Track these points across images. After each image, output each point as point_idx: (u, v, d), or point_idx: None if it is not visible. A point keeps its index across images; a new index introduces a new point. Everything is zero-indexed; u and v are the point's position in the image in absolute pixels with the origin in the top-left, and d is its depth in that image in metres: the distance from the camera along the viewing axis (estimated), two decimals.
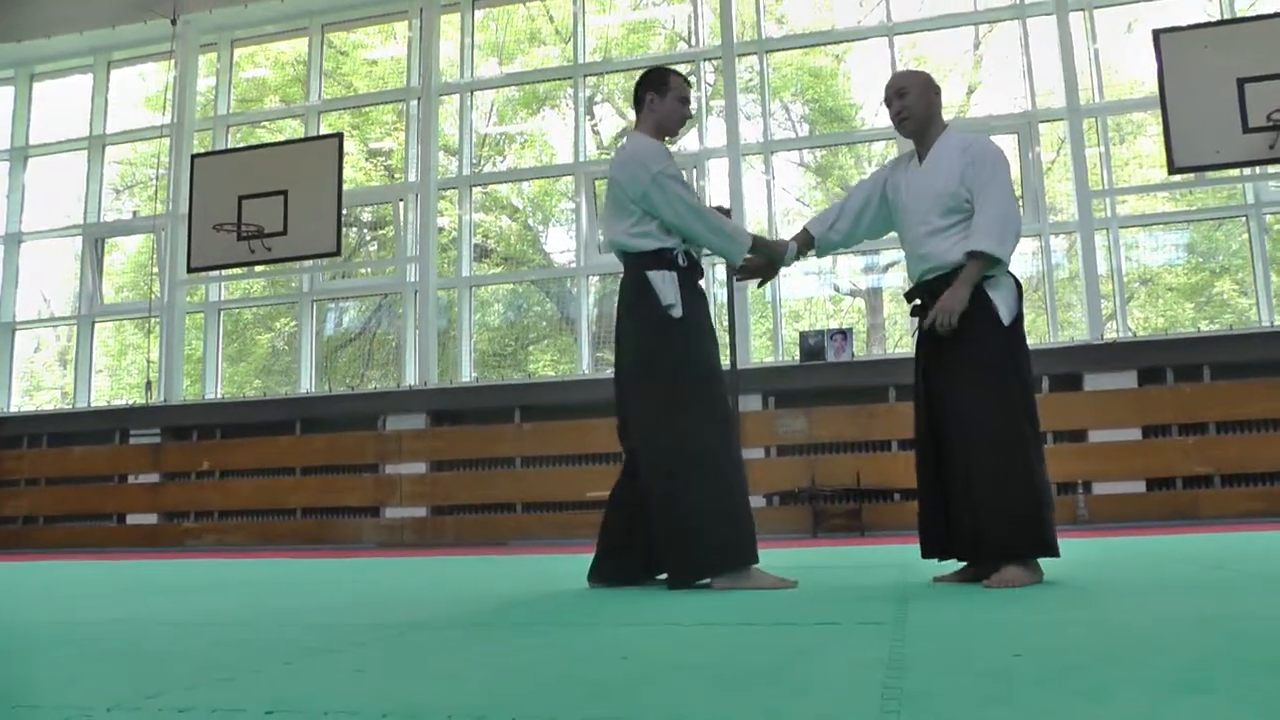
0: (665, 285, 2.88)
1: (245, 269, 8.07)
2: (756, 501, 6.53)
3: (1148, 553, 1.99)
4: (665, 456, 2.82)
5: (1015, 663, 1.42)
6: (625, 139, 3.16)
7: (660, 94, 3.02)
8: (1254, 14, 6.87)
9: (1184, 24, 6.70)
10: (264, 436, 7.62)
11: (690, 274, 2.96)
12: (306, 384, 8.01)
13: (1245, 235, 7.07)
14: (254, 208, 7.55)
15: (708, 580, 2.76)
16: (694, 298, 2.94)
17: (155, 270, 8.44)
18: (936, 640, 1.73)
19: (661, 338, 2.86)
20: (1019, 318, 2.81)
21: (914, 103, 2.87)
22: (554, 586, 3.22)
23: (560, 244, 8.42)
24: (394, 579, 3.89)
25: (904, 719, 1.06)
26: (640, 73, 3.16)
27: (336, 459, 7.46)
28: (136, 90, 9.25)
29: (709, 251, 3.04)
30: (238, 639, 2.04)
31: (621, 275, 3.03)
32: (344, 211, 7.63)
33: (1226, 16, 6.99)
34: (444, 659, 1.71)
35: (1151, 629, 1.80)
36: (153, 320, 8.21)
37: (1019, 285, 2.87)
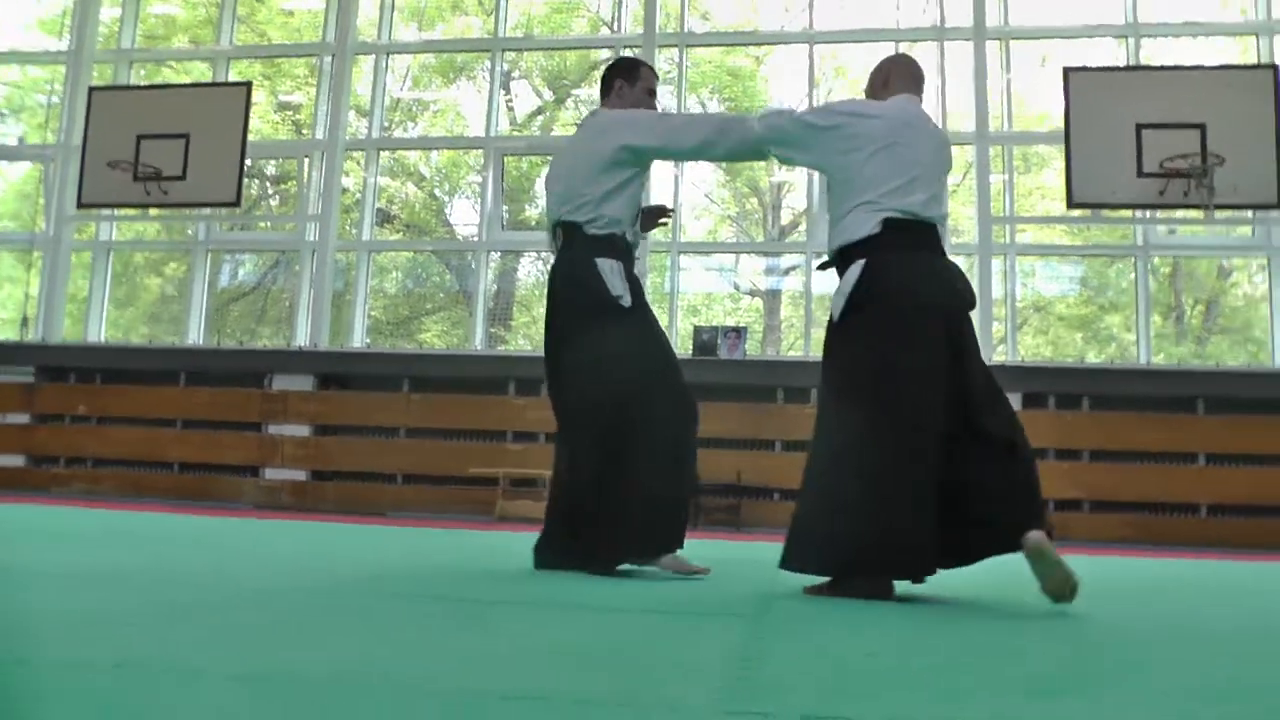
0: (613, 275, 3.16)
1: (139, 211, 8.77)
2: None
3: (1015, 570, 2.56)
4: (608, 439, 3.12)
5: (868, 661, 1.65)
6: (596, 113, 3.45)
7: (630, 82, 3.39)
8: (1157, 64, 8.08)
9: (1094, 65, 7.90)
10: (146, 385, 8.29)
11: (629, 261, 3.28)
12: (195, 335, 8.74)
13: (1133, 275, 8.28)
14: (153, 148, 8.23)
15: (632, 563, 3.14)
16: (635, 285, 3.25)
17: (41, 202, 9.12)
18: (794, 636, 1.97)
19: (612, 326, 3.15)
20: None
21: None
22: (436, 560, 3.59)
23: (464, 216, 9.33)
24: (271, 541, 4.30)
25: (748, 705, 1.21)
26: (613, 62, 3.66)
27: (219, 414, 8.19)
28: (29, 9, 9.87)
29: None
30: (103, 593, 2.19)
31: (557, 255, 3.31)
32: (247, 163, 8.38)
33: (1133, 63, 8.17)
34: (312, 624, 1.88)
35: (1007, 639, 2.06)
36: (35, 254, 8.93)
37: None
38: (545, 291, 3.43)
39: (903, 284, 2.76)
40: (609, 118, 3.35)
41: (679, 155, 3.55)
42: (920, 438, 2.65)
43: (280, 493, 8.00)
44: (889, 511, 2.60)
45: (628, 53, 8.74)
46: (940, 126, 3.07)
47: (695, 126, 3.38)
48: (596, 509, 3.10)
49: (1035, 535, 2.51)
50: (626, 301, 3.16)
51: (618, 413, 3.11)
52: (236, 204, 8.32)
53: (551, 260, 3.45)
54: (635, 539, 3.10)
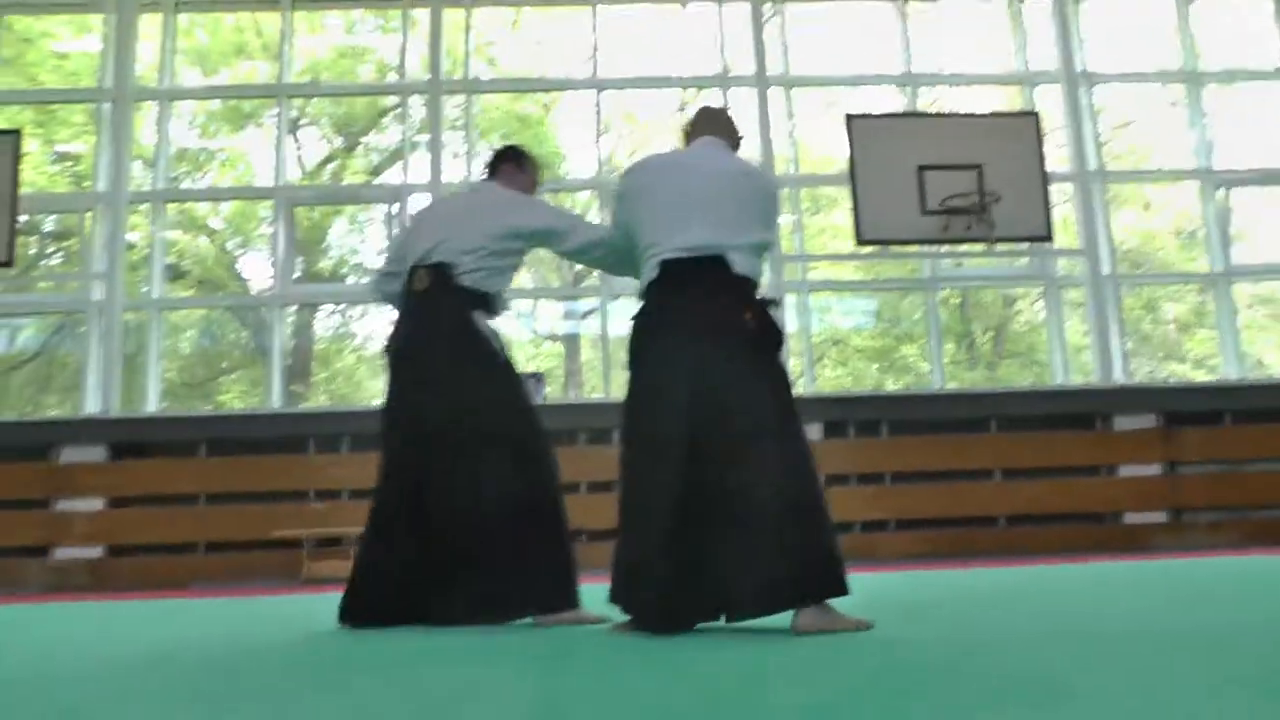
0: (490, 331, 3.37)
1: None
2: None
3: None
4: (505, 505, 3.30)
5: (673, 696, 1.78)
6: (484, 185, 3.75)
7: (520, 168, 3.75)
8: (934, 111, 8.76)
9: (875, 112, 8.50)
10: None
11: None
12: None
13: (925, 307, 8.95)
14: None
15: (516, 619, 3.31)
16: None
17: None
18: (596, 679, 2.09)
19: (498, 384, 3.37)
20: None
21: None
22: (229, 629, 3.65)
23: (258, 270, 9.45)
24: (55, 626, 4.25)
25: None
26: (508, 146, 3.89)
27: (0, 493, 7.99)
28: None
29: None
30: None
31: (418, 300, 3.44)
32: (21, 218, 8.23)
33: (911, 109, 8.82)
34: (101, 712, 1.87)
35: (803, 660, 2.20)
36: None
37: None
38: (393, 337, 3.53)
39: (658, 330, 3.00)
40: (503, 195, 3.61)
41: (561, 249, 3.60)
42: (659, 477, 2.85)
43: (72, 573, 7.91)
44: (628, 547, 2.89)
45: (415, 99, 8.99)
46: (743, 160, 3.25)
47: (584, 229, 3.57)
48: (501, 556, 3.25)
49: (804, 622, 2.69)
50: (502, 358, 3.39)
51: (515, 460, 3.32)
52: (9, 264, 8.10)
53: (387, 307, 3.67)
54: (551, 589, 3.28)
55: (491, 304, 3.46)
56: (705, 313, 2.93)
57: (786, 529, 2.72)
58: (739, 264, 2.97)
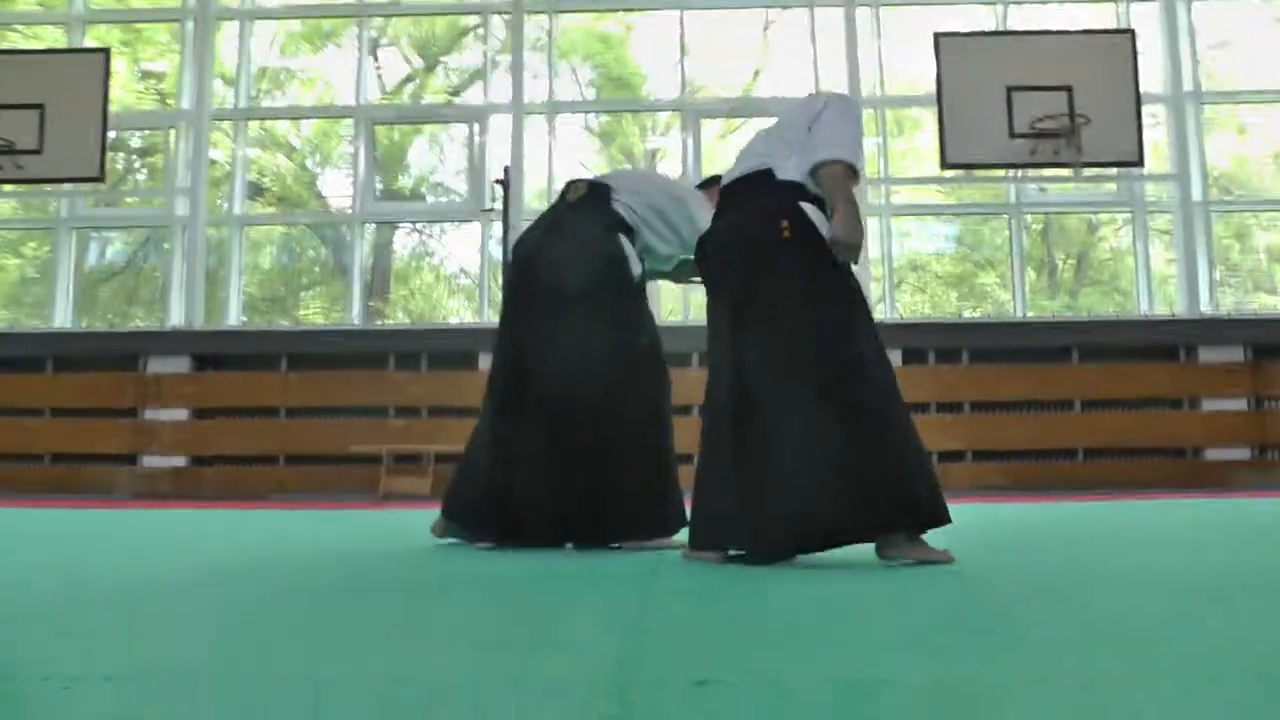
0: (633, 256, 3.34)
1: None
2: None
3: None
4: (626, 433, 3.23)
5: (755, 620, 1.79)
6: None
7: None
8: (1024, 29, 8.49)
9: (963, 30, 8.28)
10: (10, 373, 8.30)
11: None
12: (62, 318, 8.80)
13: (1007, 232, 8.77)
14: (4, 120, 8.04)
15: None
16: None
17: None
18: (682, 603, 2.10)
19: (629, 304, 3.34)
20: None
21: None
22: (317, 544, 3.62)
23: (337, 189, 9.47)
24: (147, 531, 4.32)
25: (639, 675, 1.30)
26: None
27: (91, 401, 8.23)
28: None
29: None
30: None
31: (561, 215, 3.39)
32: (110, 135, 8.34)
33: (1001, 28, 8.56)
34: (184, 619, 1.88)
35: (892, 591, 2.19)
36: None
37: None
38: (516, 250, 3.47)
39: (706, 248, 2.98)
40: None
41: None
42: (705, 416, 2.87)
43: (159, 480, 8.14)
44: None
45: (496, 20, 8.89)
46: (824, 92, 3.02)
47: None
48: (613, 482, 3.18)
49: (888, 550, 2.63)
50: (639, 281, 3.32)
51: (634, 391, 3.25)
52: (100, 179, 8.24)
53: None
54: (657, 515, 3.23)
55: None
56: (743, 237, 2.84)
57: (838, 469, 2.60)
58: (784, 171, 2.82)
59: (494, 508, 3.24)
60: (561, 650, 1.54)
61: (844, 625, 1.77)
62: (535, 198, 8.62)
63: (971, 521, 4.47)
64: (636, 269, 3.30)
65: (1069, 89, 7.88)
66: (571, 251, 3.30)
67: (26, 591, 2.29)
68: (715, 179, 3.44)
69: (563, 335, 3.24)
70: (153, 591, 2.26)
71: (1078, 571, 2.61)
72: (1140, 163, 7.96)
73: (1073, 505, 5.98)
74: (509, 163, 8.25)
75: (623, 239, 3.29)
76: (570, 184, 3.49)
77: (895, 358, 8.04)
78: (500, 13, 8.76)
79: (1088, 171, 8.14)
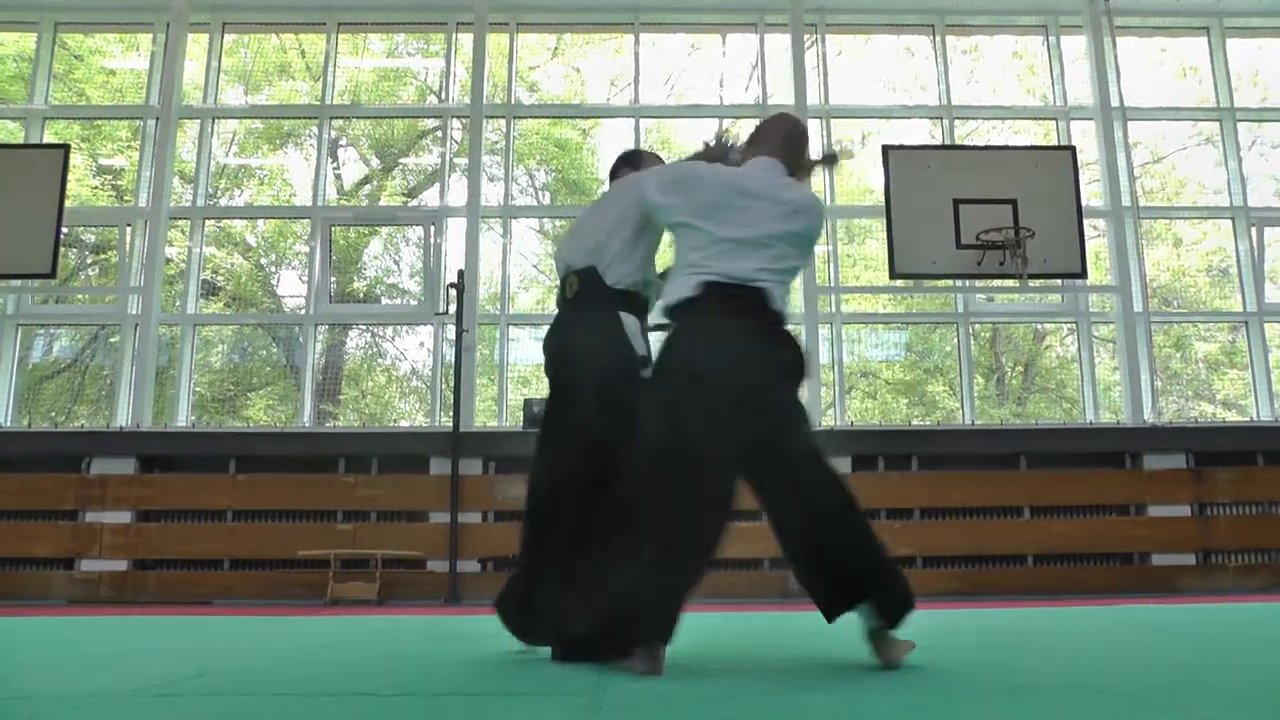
0: (636, 332, 3.22)
1: None
2: (470, 565, 7.71)
3: (851, 626, 2.73)
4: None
5: None
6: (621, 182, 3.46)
7: (635, 168, 3.51)
8: (971, 144, 8.63)
9: (912, 144, 8.38)
10: None
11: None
12: (2, 416, 8.49)
13: (956, 340, 8.78)
14: None
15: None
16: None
17: None
18: (632, 712, 2.05)
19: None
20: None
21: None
22: (260, 647, 3.56)
23: (291, 288, 9.32)
24: (81, 640, 4.17)
25: None
26: (622, 152, 3.75)
27: (30, 503, 7.93)
28: None
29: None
30: None
31: (570, 315, 3.29)
32: (64, 230, 8.22)
33: (947, 142, 8.69)
34: None
35: (846, 698, 2.21)
36: None
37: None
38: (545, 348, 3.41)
39: (691, 353, 2.86)
40: (628, 179, 3.39)
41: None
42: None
43: (98, 585, 7.82)
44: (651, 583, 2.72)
45: (456, 122, 8.90)
46: (801, 188, 3.04)
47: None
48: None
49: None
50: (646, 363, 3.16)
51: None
52: (52, 275, 8.09)
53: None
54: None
55: (636, 302, 3.27)
56: (745, 344, 2.88)
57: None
58: (777, 299, 2.93)
59: None
60: None
61: None
62: (489, 301, 8.55)
63: (922, 628, 4.38)
64: (640, 349, 3.20)
65: (1014, 202, 8.01)
66: (576, 352, 3.26)
67: None
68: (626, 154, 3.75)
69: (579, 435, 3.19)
70: (91, 706, 2.16)
71: (1029, 677, 2.57)
72: (1083, 274, 8.07)
73: (1022, 610, 5.90)
74: (463, 265, 8.17)
75: (624, 318, 3.20)
76: (564, 280, 3.36)
77: (845, 464, 7.97)
78: (460, 116, 8.76)
79: (1033, 281, 8.19)
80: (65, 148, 8.27)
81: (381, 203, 9.37)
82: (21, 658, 3.42)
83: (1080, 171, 8.17)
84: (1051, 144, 8.67)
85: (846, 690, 2.33)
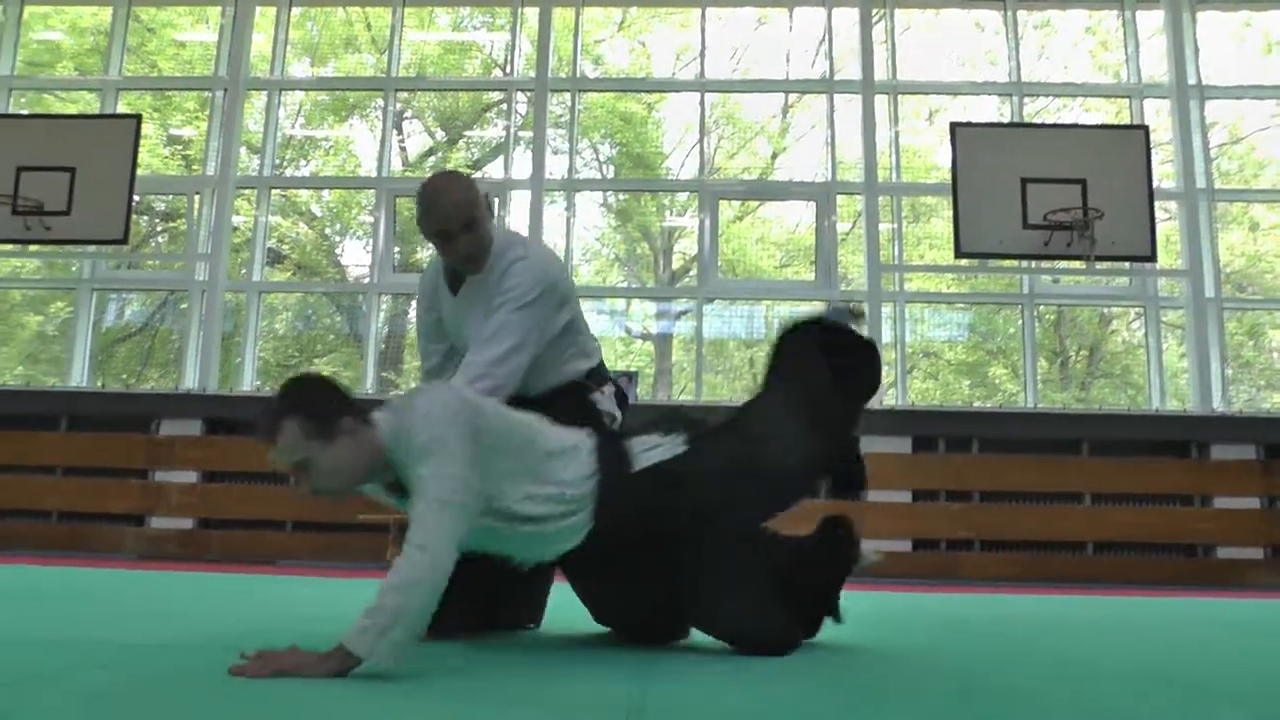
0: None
1: (17, 246, 8.66)
2: None
3: (910, 610, 2.74)
4: None
5: (756, 709, 1.80)
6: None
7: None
8: (1040, 123, 8.40)
9: (980, 121, 8.18)
10: (24, 430, 8.17)
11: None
12: (78, 377, 8.71)
13: (1020, 322, 8.58)
14: (35, 181, 8.09)
15: None
16: None
17: None
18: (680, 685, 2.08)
19: None
20: None
21: (484, 233, 2.82)
22: (320, 611, 3.57)
23: (356, 257, 9.40)
24: (153, 595, 4.23)
25: None
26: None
27: (102, 460, 8.09)
28: None
29: None
30: None
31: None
32: (135, 198, 8.34)
33: (1016, 120, 8.48)
34: (187, 685, 1.85)
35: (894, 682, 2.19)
36: None
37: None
38: None
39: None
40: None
41: None
42: None
43: (165, 542, 7.97)
44: None
45: (520, 95, 8.85)
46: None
47: None
48: None
49: None
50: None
51: None
52: (124, 241, 8.21)
53: None
54: None
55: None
56: None
57: None
58: None
59: None
60: None
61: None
62: None
63: (979, 612, 4.34)
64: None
65: (1083, 182, 7.78)
66: None
67: (35, 652, 2.24)
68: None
69: None
70: (160, 656, 2.23)
71: (1088, 664, 2.51)
72: (1153, 257, 7.83)
73: (1081, 598, 5.79)
74: (528, 234, 8.11)
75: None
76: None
77: (905, 444, 7.83)
78: (524, 89, 8.72)
79: (1101, 264, 7.97)
80: (137, 118, 8.37)
81: None
82: (97, 607, 3.47)
83: (1153, 152, 7.91)
84: (1124, 123, 8.41)
85: (899, 674, 2.29)
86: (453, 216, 2.78)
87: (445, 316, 3.08)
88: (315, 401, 2.29)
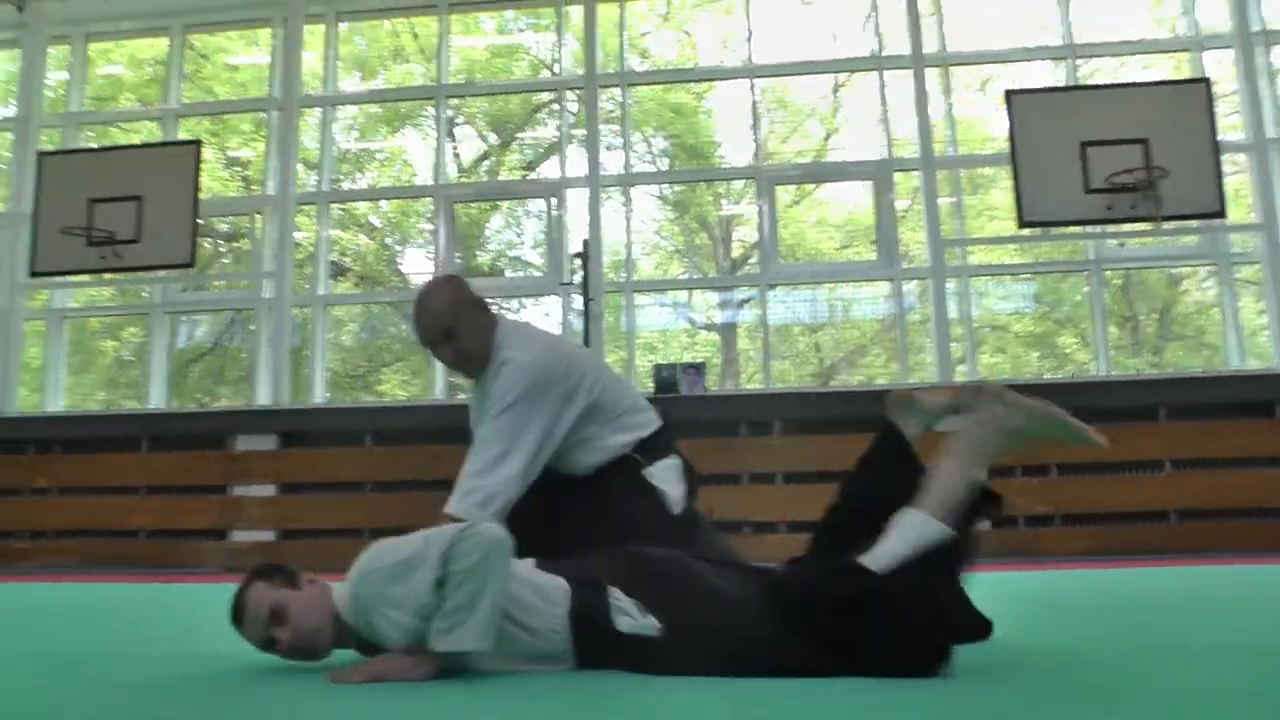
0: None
1: (93, 276, 8.85)
2: None
3: (994, 590, 2.60)
4: None
5: (866, 701, 1.78)
6: None
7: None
8: (1096, 83, 8.22)
9: (1034, 87, 8.03)
10: (107, 453, 8.33)
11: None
12: (155, 399, 8.85)
13: (1087, 289, 8.40)
14: (106, 212, 8.30)
15: None
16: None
17: None
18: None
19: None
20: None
21: (468, 341, 2.91)
22: None
23: (417, 265, 9.47)
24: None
25: None
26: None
27: (182, 479, 8.24)
28: None
29: None
30: (71, 675, 2.23)
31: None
32: (200, 221, 8.50)
33: (1071, 83, 8.30)
34: (292, 692, 1.96)
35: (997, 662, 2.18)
36: None
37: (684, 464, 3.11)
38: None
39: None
40: None
41: None
42: None
43: (248, 554, 8.03)
44: None
45: (570, 94, 8.85)
46: None
47: None
48: None
49: None
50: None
51: None
52: (191, 264, 8.38)
53: None
54: None
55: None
56: None
57: None
58: None
59: None
60: None
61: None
62: (612, 269, 8.48)
63: (1063, 588, 4.18)
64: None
65: (1145, 141, 7.59)
66: None
67: (150, 666, 2.38)
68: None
69: None
70: (260, 662, 2.35)
71: (1176, 637, 2.41)
72: (1222, 213, 7.62)
73: (1166, 570, 5.59)
74: (586, 235, 8.11)
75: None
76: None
77: None
78: (574, 87, 8.72)
79: (1168, 224, 7.76)
80: (197, 143, 8.51)
81: (501, 177, 9.42)
82: (192, 621, 3.60)
83: (1216, 104, 7.70)
84: (1184, 77, 8.19)
85: (989, 648, 2.20)
86: (429, 328, 2.91)
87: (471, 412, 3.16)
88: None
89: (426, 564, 2.14)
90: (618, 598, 2.27)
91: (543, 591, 2.30)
